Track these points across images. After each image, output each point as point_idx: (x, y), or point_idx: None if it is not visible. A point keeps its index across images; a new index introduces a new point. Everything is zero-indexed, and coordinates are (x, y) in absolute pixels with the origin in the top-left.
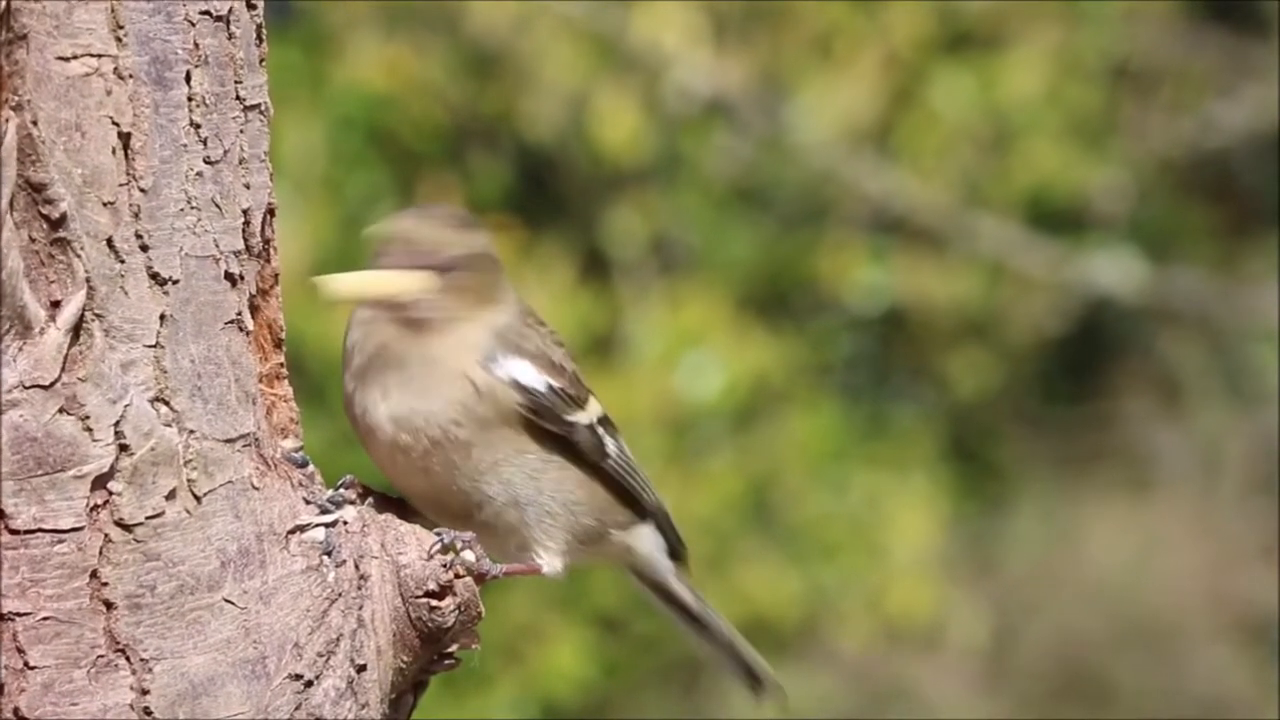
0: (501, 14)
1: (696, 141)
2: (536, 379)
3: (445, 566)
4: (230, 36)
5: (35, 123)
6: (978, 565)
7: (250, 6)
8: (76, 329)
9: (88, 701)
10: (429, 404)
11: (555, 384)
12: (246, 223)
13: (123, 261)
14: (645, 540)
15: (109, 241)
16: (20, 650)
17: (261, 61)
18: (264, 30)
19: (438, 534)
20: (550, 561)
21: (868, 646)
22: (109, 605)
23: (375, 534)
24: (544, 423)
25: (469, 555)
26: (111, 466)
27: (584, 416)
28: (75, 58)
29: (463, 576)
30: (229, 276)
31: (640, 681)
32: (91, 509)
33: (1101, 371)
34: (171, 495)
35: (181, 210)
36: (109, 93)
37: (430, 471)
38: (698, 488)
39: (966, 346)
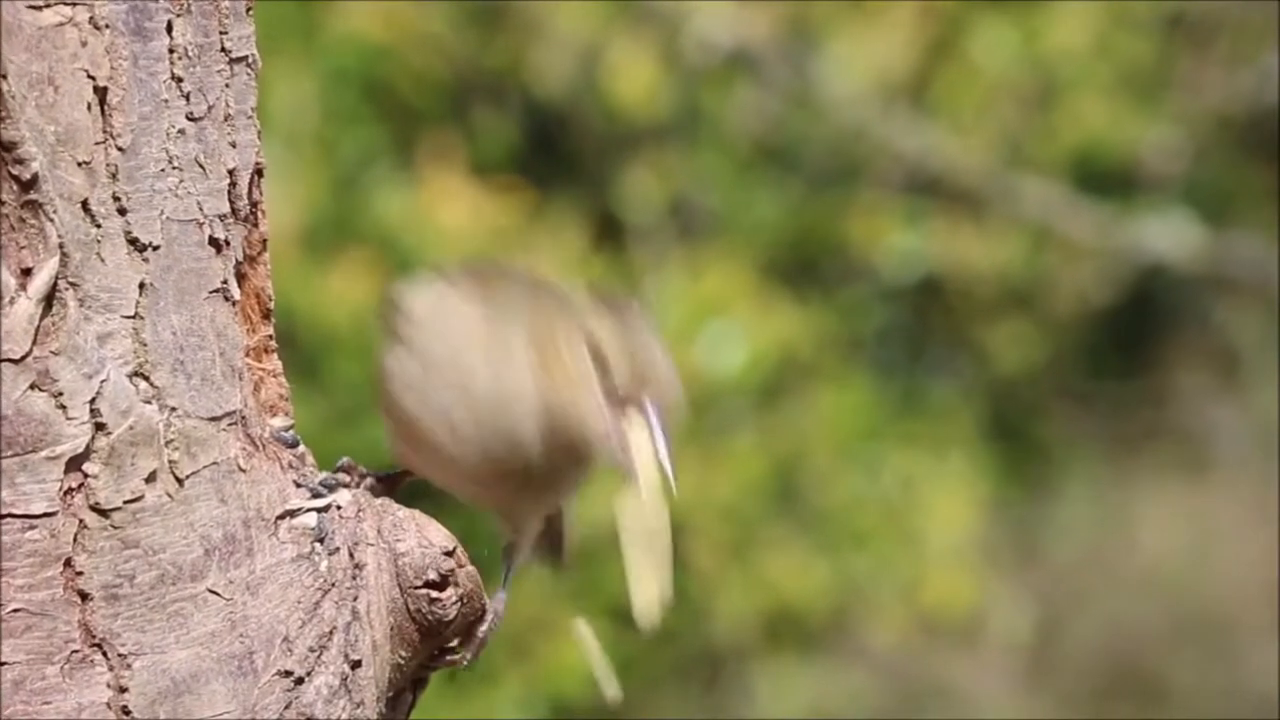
0: None
1: (718, 97)
2: None
3: (447, 554)
4: None
5: (4, 77)
6: (1020, 553)
7: None
8: (49, 298)
9: (61, 700)
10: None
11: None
12: (232, 184)
13: (99, 226)
14: None
15: (84, 204)
16: None
17: (249, 10)
18: None
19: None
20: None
21: (902, 640)
22: (84, 596)
23: (371, 519)
24: None
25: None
26: (87, 447)
27: None
28: (47, 6)
29: (464, 566)
30: (213, 242)
31: (657, 678)
32: (65, 492)
33: (1154, 344)
34: (151, 478)
35: (162, 171)
36: (84, 44)
37: (491, 488)
38: (719, 469)
39: (1008, 317)
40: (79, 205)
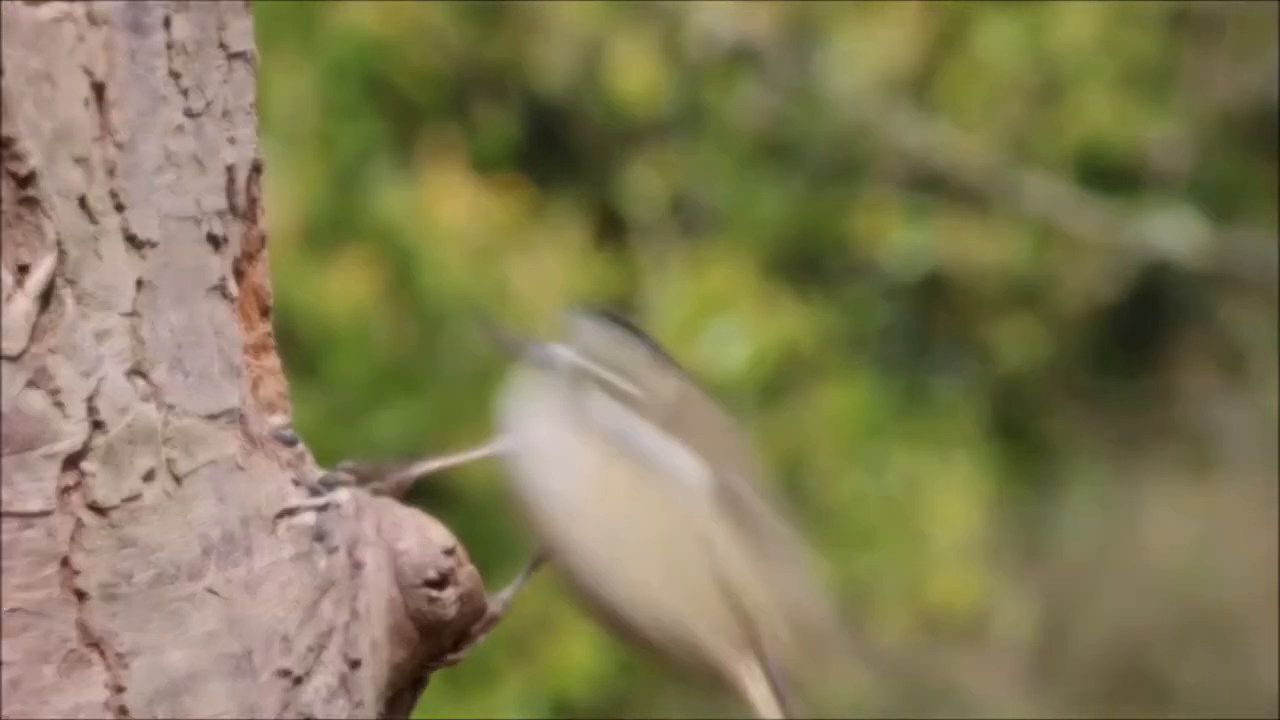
0: None
1: (720, 92)
2: None
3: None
4: None
5: (1, 72)
6: (1025, 552)
7: None
8: (46, 296)
9: (58, 700)
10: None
11: None
12: (230, 180)
13: (96, 223)
14: None
15: (82, 201)
16: None
17: (247, 4)
18: None
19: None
20: None
21: (906, 640)
22: (81, 595)
23: (371, 518)
24: None
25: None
26: (84, 445)
27: None
28: (45, 1)
29: (464, 565)
30: (211, 238)
31: (660, 677)
32: (63, 491)
33: (1160, 342)
34: (149, 476)
35: (160, 167)
36: (81, 39)
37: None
38: None
39: (1013, 315)
40: (76, 202)
